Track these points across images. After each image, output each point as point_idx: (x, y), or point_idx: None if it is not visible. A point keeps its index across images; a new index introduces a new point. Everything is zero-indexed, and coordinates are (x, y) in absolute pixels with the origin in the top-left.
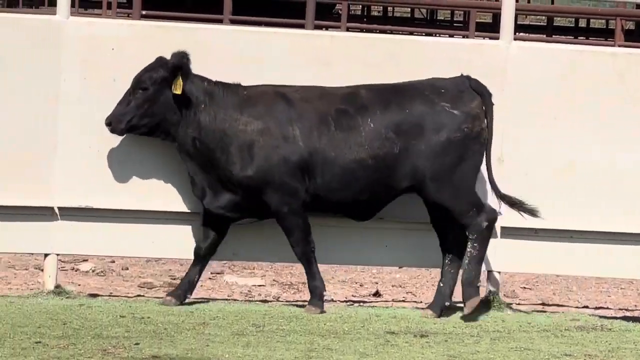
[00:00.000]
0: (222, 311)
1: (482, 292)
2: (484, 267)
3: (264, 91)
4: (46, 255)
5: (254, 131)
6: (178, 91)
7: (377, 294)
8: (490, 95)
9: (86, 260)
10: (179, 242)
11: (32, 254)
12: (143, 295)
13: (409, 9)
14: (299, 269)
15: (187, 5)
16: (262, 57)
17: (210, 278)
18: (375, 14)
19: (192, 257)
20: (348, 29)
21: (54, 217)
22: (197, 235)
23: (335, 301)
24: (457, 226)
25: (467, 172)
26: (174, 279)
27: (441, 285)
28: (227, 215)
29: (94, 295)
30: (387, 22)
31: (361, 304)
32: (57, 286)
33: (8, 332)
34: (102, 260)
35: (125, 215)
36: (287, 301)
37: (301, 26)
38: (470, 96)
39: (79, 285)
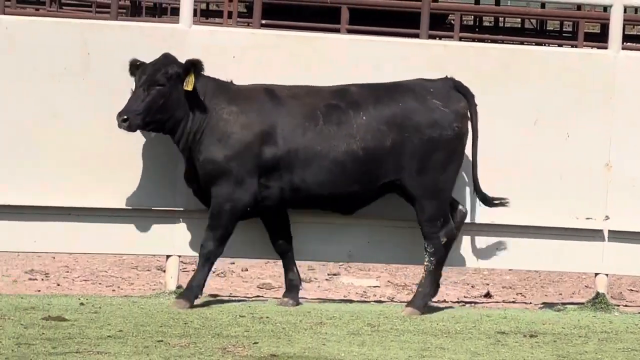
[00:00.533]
0: (339, 311)
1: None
2: (592, 269)
3: (253, 88)
4: (168, 256)
5: (236, 123)
6: (190, 87)
7: (488, 295)
8: (473, 96)
9: None
10: (299, 244)
11: (155, 255)
12: (262, 296)
13: (520, 20)
14: (412, 270)
15: (305, 15)
16: (378, 66)
17: (327, 279)
18: (487, 24)
19: (311, 258)
20: (461, 39)
21: (177, 219)
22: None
23: (448, 302)
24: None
25: (451, 174)
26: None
27: None
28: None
29: (215, 296)
30: (498, 32)
31: (472, 304)
32: (179, 287)
33: (131, 330)
34: (223, 262)
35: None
36: (401, 301)
37: (416, 36)
38: (457, 96)
39: None
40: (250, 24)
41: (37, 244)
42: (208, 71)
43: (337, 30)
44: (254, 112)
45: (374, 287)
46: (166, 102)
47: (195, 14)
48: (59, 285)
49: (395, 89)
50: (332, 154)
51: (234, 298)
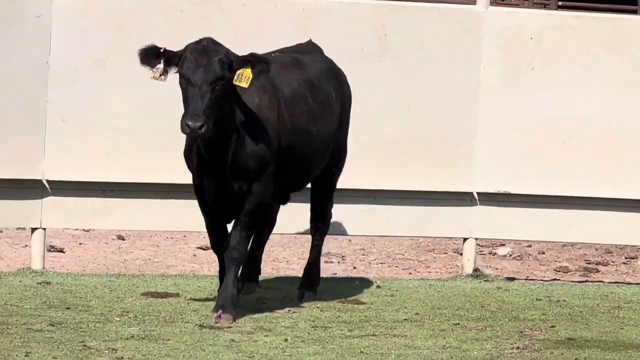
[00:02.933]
0: (636, 295)
1: None
2: None
3: None
4: (465, 239)
5: (264, 108)
6: (245, 84)
7: None
8: None
9: (503, 245)
10: (597, 227)
11: (451, 238)
12: (559, 279)
13: None
14: None
15: None
16: None
17: (624, 263)
18: None
19: (608, 241)
20: None
21: (474, 202)
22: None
23: None
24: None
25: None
26: (589, 263)
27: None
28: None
29: (511, 279)
30: None
31: None
32: (476, 270)
33: (427, 313)
34: (519, 245)
35: (541, 201)
36: None
37: None
38: None
39: (497, 269)
40: (547, 6)
41: (336, 227)
42: (505, 53)
43: (635, 12)
44: (269, 91)
45: None
46: (225, 97)
47: None
48: (355, 268)
49: (325, 58)
50: (320, 136)
51: (530, 281)
